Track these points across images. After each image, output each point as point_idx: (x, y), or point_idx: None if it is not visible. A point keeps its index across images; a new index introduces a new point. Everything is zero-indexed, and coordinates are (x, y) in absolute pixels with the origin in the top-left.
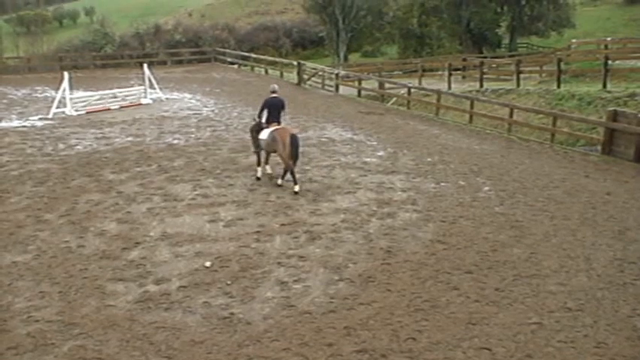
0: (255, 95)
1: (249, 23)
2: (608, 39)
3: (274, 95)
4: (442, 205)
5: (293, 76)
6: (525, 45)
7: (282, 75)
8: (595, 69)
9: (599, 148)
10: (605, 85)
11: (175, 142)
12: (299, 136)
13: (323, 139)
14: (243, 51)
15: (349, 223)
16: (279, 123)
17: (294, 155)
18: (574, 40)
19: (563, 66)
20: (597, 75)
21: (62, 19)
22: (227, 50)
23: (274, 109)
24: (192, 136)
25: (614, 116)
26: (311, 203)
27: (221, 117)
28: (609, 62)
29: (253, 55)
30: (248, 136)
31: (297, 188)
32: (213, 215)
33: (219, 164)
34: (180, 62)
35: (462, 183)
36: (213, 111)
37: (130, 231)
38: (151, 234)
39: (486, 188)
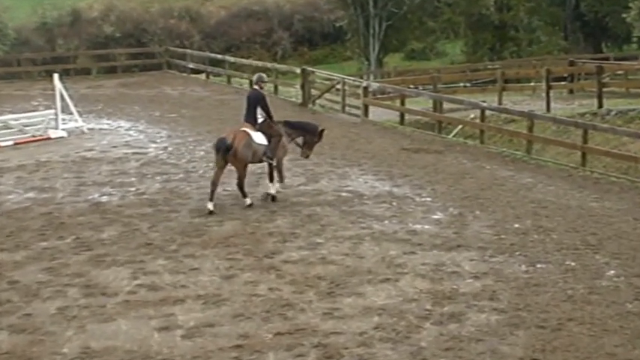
0: (235, 124)
1: (224, 7)
2: None
3: (254, 88)
4: (539, 300)
5: (295, 92)
6: None
7: (276, 90)
8: None
9: None
10: None
11: (104, 199)
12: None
13: (344, 194)
14: (214, 52)
15: (387, 331)
16: (253, 124)
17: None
18: None
19: None
20: None
21: None
22: (188, 51)
23: (250, 105)
24: (132, 189)
25: None
26: (325, 298)
27: (178, 159)
28: None
29: (230, 59)
30: (221, 190)
31: (248, 201)
32: (167, 319)
33: (175, 236)
34: (112, 71)
35: (572, 264)
36: (165, 149)
37: (30, 346)
38: (64, 350)
39: (611, 272)
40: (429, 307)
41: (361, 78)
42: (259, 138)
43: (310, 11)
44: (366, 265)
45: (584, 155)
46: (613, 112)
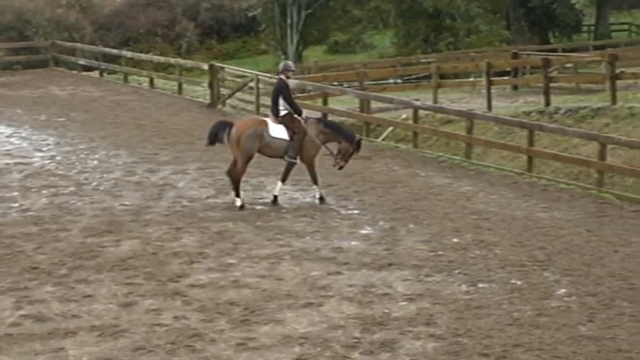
0: (133, 128)
1: None
2: None
3: (280, 77)
4: (482, 324)
5: (203, 91)
6: (626, 27)
7: (180, 89)
8: None
9: None
10: None
11: None
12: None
13: (259, 207)
14: (109, 46)
15: None
16: (276, 116)
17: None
18: None
19: None
20: None
21: None
22: (78, 45)
23: (274, 96)
24: (15, 205)
25: None
26: (238, 327)
27: (68, 169)
28: None
29: (128, 54)
30: (117, 204)
31: (239, 202)
32: (56, 355)
33: (64, 258)
34: None
35: (518, 283)
36: (53, 158)
37: None
38: None
39: (562, 291)
40: (357, 334)
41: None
42: (278, 131)
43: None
44: (285, 288)
45: (530, 159)
46: (562, 111)
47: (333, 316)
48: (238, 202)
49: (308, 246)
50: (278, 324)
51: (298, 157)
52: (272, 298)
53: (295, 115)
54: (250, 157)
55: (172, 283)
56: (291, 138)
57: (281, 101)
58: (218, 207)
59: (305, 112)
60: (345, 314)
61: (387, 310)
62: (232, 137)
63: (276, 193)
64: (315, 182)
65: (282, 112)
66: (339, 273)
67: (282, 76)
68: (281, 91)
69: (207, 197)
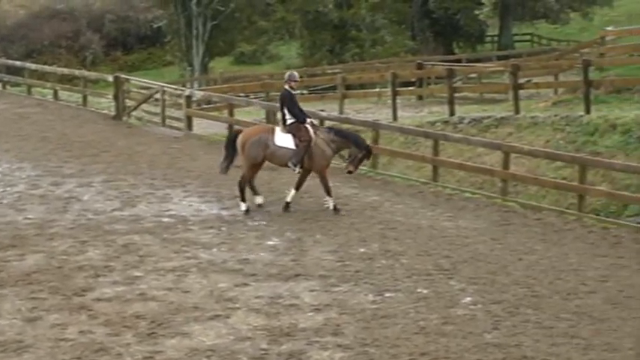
0: (37, 140)
1: (23, 6)
2: None
3: (284, 87)
4: (388, 333)
5: (108, 103)
6: (529, 37)
7: (85, 101)
8: None
9: None
10: None
11: None
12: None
13: (165, 220)
14: (12, 58)
15: None
16: (284, 125)
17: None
18: (610, 29)
19: (593, 74)
20: None
21: None
22: None
23: (279, 105)
24: None
25: None
26: (145, 340)
27: None
28: None
29: (31, 66)
30: (21, 218)
31: (243, 207)
32: None
33: None
34: None
35: (424, 292)
36: None
37: None
38: None
39: (468, 300)
40: (264, 345)
41: (184, 86)
42: (284, 140)
43: (124, 10)
44: (191, 301)
45: (435, 169)
46: (466, 120)
47: (240, 327)
48: (243, 207)
49: (215, 258)
50: (185, 337)
51: (298, 166)
52: (179, 311)
53: (301, 124)
54: (255, 164)
55: (78, 297)
56: (297, 146)
57: (286, 110)
58: (124, 220)
59: (311, 120)
60: (252, 326)
61: (294, 321)
62: (238, 144)
63: (288, 200)
64: (328, 193)
65: (289, 121)
66: (246, 284)
67: (287, 86)
68: (284, 100)
69: (113, 210)
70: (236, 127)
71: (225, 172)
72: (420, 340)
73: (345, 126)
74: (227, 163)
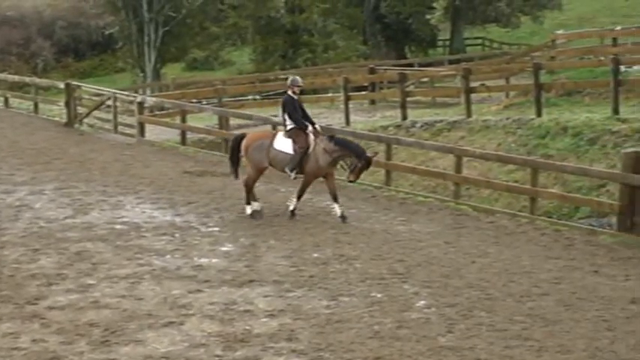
0: None
1: None
2: (618, 28)
3: (287, 92)
4: (343, 338)
5: (59, 110)
6: (480, 41)
7: (36, 108)
8: (598, 81)
9: (613, 221)
10: (617, 110)
11: None
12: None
13: (118, 227)
14: None
15: None
16: (284, 127)
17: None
18: (561, 32)
19: (544, 77)
20: (603, 92)
21: None
22: None
23: (281, 110)
24: None
25: (637, 164)
26: (98, 348)
27: None
28: (622, 69)
29: None
30: None
31: (249, 210)
32: None
33: None
34: None
35: (378, 296)
36: None
37: None
38: None
39: (422, 303)
40: (219, 352)
41: (135, 92)
42: (283, 144)
43: (75, 17)
44: (145, 308)
45: (388, 173)
46: (419, 124)
47: (194, 334)
48: (248, 210)
49: (168, 264)
50: (139, 344)
51: (294, 172)
52: (132, 318)
53: (302, 129)
54: (260, 169)
55: (30, 305)
56: (295, 152)
57: (286, 115)
58: (76, 227)
59: (312, 126)
60: (206, 332)
61: (248, 327)
62: (242, 148)
63: (292, 208)
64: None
65: (290, 127)
66: (199, 291)
67: (290, 92)
68: (286, 105)
69: (65, 217)
70: (241, 131)
71: (237, 177)
72: (375, 345)
73: None
74: (235, 167)
